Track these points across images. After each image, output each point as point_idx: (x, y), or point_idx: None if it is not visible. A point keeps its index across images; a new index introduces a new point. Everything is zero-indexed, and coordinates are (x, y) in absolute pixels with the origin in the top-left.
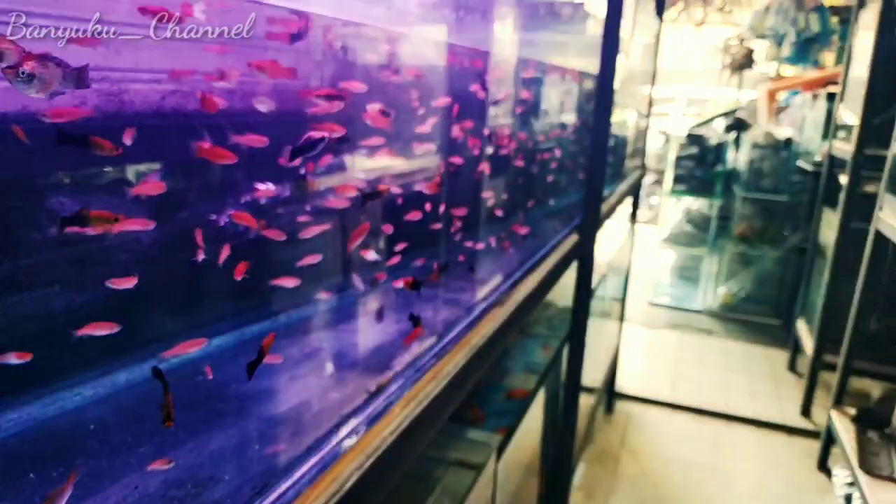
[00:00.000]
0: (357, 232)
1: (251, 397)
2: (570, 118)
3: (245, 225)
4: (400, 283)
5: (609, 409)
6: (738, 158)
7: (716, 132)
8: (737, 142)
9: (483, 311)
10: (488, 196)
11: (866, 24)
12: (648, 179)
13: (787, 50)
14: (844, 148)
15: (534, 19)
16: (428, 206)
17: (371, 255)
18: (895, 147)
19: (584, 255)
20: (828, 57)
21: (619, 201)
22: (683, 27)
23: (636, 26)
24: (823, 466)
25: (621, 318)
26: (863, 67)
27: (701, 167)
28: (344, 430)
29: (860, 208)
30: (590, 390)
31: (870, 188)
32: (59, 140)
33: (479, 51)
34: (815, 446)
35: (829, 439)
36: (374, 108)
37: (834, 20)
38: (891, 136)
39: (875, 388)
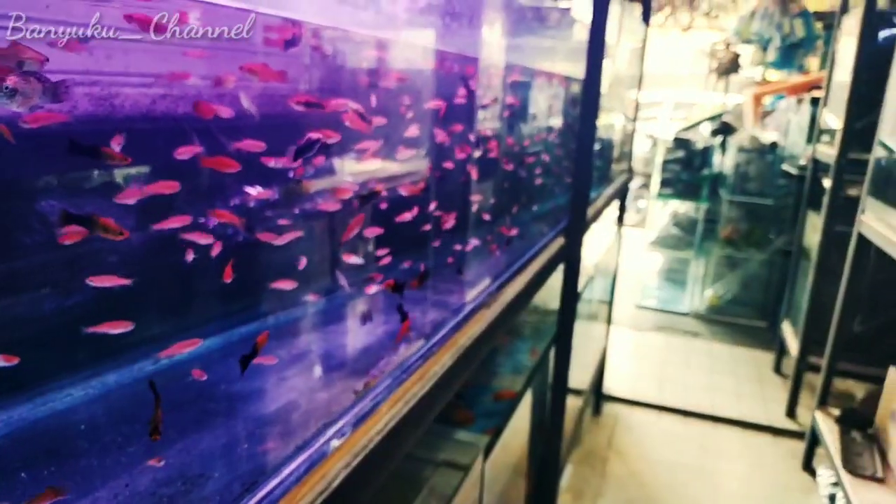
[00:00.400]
0: (353, 224)
1: (240, 397)
2: (556, 122)
3: (227, 225)
4: (372, 290)
5: (597, 410)
6: (724, 162)
7: (702, 136)
8: (723, 146)
9: (470, 313)
10: (475, 200)
11: (849, 30)
12: (636, 183)
13: (772, 55)
14: (828, 152)
15: (520, 24)
16: (414, 210)
17: (357, 259)
18: (877, 151)
19: (570, 258)
20: (812, 62)
21: (606, 205)
22: (670, 32)
23: (623, 31)
24: (808, 467)
25: (608, 321)
26: (846, 72)
27: (687, 171)
28: (331, 430)
29: (843, 211)
30: (577, 392)
31: (853, 192)
32: (70, 150)
33: (465, 56)
34: (799, 447)
35: (813, 440)
36: (352, 108)
37: (818, 25)
38: (873, 140)
39: (859, 389)
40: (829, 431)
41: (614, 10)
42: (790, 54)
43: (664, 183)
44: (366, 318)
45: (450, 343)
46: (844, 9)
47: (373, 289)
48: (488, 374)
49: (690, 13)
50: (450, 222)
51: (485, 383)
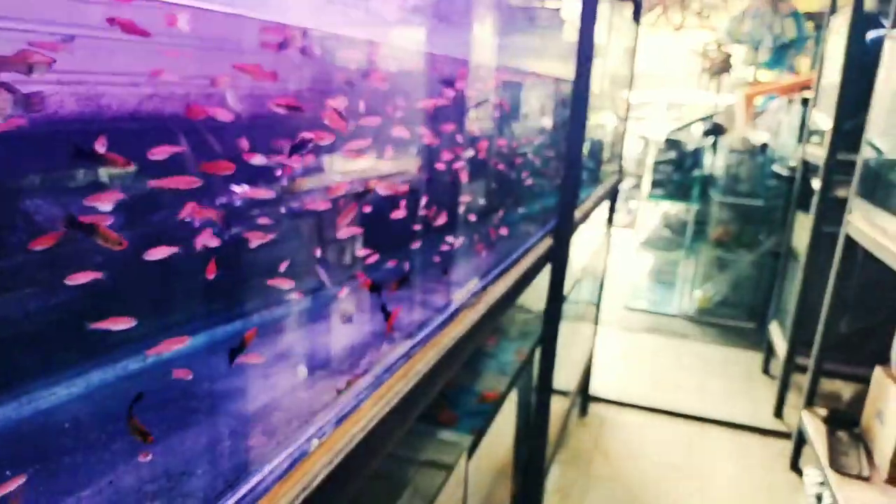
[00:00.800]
0: (345, 213)
1: (221, 396)
2: (546, 123)
3: (209, 222)
4: (347, 291)
5: (583, 412)
6: (715, 163)
7: (693, 137)
8: (714, 147)
9: (454, 313)
10: (462, 200)
11: (838, 30)
12: (627, 184)
13: (763, 55)
14: (817, 153)
15: (509, 26)
16: (400, 210)
17: (340, 259)
18: (865, 151)
19: (557, 258)
20: (803, 62)
21: (596, 205)
22: (662, 31)
23: (613, 31)
24: (795, 466)
25: (596, 322)
26: (835, 73)
27: (678, 172)
28: (312, 428)
29: (832, 212)
30: (563, 393)
31: (841, 192)
32: (74, 155)
33: (454, 58)
34: (787, 447)
35: (800, 440)
36: (331, 106)
37: (809, 25)
38: (861, 140)
39: (846, 389)
40: (816, 431)
41: (604, 10)
42: (781, 54)
43: (655, 184)
44: (347, 316)
45: (433, 342)
46: (833, 9)
47: (346, 290)
48: (473, 374)
49: (682, 13)
50: (436, 222)
51: (469, 383)
